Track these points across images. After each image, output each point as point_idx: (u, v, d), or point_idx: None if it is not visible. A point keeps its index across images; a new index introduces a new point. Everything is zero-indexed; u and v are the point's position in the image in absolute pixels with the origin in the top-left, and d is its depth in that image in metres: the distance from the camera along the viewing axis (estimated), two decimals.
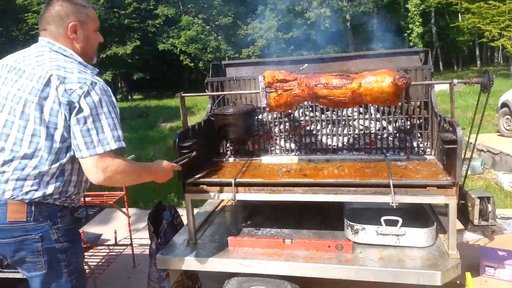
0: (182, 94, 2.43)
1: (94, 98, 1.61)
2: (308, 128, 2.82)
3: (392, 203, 2.13)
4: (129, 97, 28.06)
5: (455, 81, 2.14)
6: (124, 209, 3.14)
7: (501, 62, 26.67)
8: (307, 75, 2.25)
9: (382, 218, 2.25)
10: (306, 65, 2.83)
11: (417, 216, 2.47)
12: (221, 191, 2.34)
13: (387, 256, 2.19)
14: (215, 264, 2.27)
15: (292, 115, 2.84)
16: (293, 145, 2.82)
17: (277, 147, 2.84)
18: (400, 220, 2.23)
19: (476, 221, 2.36)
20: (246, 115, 2.63)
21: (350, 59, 3.02)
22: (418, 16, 23.34)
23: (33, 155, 1.62)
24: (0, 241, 1.65)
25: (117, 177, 1.66)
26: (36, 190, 1.62)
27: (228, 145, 2.88)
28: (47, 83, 1.61)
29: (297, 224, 2.62)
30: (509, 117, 7.33)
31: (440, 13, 26.53)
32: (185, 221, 2.62)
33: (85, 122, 1.59)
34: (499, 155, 6.37)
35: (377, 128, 2.71)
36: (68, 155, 1.66)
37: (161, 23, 25.73)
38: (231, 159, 2.84)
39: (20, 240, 1.65)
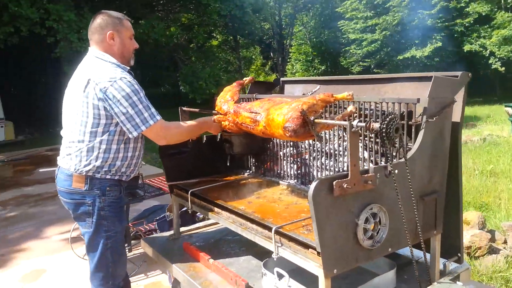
0: (184, 108, 2.78)
1: (125, 90, 2.09)
2: (304, 157, 2.57)
3: (274, 254, 1.87)
4: None
5: (355, 123, 1.60)
6: None
7: None
8: (237, 106, 2.22)
9: (275, 269, 1.96)
10: (318, 87, 2.57)
11: None
12: (186, 199, 2.61)
13: None
14: (159, 258, 2.62)
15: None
16: (294, 171, 2.65)
17: (283, 170, 2.74)
18: (286, 275, 1.89)
19: None
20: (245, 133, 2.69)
21: (384, 82, 2.47)
22: None
23: (84, 139, 2.18)
24: (66, 200, 2.31)
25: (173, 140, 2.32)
26: (89, 163, 2.18)
27: (253, 160, 3.00)
28: (86, 86, 2.14)
29: (265, 255, 2.51)
30: None
31: None
32: None
33: (127, 111, 2.10)
34: None
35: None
36: (108, 136, 2.16)
37: (471, 22, 23.32)
38: (246, 174, 2.96)
39: (78, 202, 2.24)
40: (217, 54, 23.94)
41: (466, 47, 23.08)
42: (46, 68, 15.60)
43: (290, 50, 35.28)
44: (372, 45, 25.43)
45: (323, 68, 36.14)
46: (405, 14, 23.57)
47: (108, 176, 2.23)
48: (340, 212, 1.64)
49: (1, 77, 15.28)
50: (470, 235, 4.41)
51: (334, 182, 1.57)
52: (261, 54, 37.11)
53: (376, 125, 1.56)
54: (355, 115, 2.19)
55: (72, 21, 8.97)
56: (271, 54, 35.71)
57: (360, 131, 2.15)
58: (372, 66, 26.78)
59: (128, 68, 2.29)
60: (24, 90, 17.76)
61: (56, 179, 2.34)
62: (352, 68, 28.36)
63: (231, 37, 26.33)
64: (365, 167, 2.16)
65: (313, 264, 1.68)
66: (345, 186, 1.59)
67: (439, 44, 23.12)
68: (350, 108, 1.83)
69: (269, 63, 38.26)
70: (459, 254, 2.19)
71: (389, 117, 1.52)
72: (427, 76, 2.27)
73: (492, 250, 4.35)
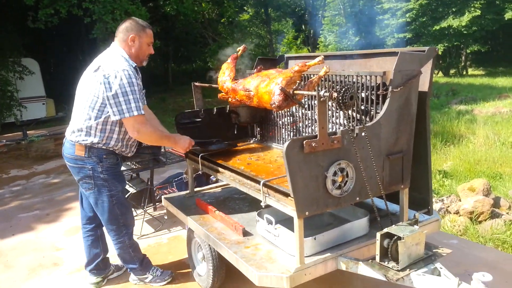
0: (196, 84, 3.17)
1: (123, 80, 2.41)
2: (299, 125, 2.91)
3: (262, 203, 2.26)
4: (463, 72, 25.97)
5: (322, 93, 1.93)
6: None
7: None
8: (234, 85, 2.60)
9: (265, 215, 2.36)
10: None
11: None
12: (197, 162, 3.02)
13: (256, 248, 2.34)
14: (176, 212, 3.08)
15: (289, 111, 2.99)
16: (290, 138, 3.00)
17: (282, 137, 3.10)
18: (273, 220, 2.28)
19: (377, 258, 2.05)
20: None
21: (370, 57, 2.74)
22: None
23: (85, 117, 2.56)
24: (70, 164, 2.70)
25: (143, 137, 2.54)
26: (87, 138, 2.57)
27: (259, 129, 3.37)
28: (96, 70, 2.52)
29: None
30: None
31: None
32: None
33: (117, 96, 2.42)
34: None
35: None
36: (103, 118, 2.50)
37: None
38: (251, 141, 3.35)
39: (80, 167, 2.64)
40: (248, 28, 24.01)
41: (508, 15, 21.94)
42: (83, 48, 16.40)
43: (322, 21, 34.59)
44: (407, 15, 24.63)
45: (357, 39, 35.31)
46: None
47: (104, 147, 2.60)
48: (311, 166, 1.98)
49: (42, 56, 16.19)
50: (473, 201, 4.64)
51: (304, 141, 1.92)
52: (293, 27, 36.67)
53: (335, 94, 1.88)
54: (337, 86, 2.51)
55: (106, 2, 9.50)
56: (303, 27, 35.25)
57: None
58: (406, 39, 25.98)
59: (136, 65, 2.61)
60: (64, 69, 18.69)
61: (63, 147, 2.74)
62: (386, 40, 27.62)
63: (262, 10, 26.28)
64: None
65: (290, 208, 2.06)
66: (314, 145, 1.94)
67: (478, 12, 22.11)
68: (323, 70, 2.15)
69: (302, 36, 37.76)
70: (429, 207, 2.50)
71: (344, 87, 1.84)
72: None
73: (494, 215, 4.57)
